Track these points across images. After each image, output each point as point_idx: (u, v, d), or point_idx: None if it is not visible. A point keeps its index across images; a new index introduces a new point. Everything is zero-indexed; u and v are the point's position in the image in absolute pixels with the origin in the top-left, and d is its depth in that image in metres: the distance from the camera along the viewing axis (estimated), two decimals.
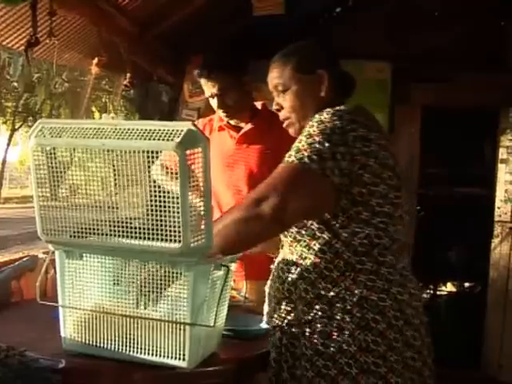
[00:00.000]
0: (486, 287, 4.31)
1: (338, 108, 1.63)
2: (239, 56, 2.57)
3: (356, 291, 1.55)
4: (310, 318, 1.59)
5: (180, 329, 1.47)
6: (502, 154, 4.23)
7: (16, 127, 22.81)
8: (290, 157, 1.58)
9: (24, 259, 2.32)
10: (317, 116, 1.62)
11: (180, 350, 1.48)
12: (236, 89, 2.45)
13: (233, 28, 4.14)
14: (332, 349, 1.54)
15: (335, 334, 1.54)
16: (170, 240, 1.39)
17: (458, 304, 4.97)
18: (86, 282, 1.54)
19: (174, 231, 1.37)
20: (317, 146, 1.55)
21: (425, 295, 5.17)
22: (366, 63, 4.16)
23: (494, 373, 4.18)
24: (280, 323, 1.66)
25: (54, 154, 1.45)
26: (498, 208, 4.23)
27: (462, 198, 4.59)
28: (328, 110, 1.62)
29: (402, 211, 1.64)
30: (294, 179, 1.55)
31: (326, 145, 1.54)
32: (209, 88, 2.44)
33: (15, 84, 12.93)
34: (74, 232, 1.47)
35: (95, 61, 3.08)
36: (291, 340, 1.62)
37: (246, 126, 2.53)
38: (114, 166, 1.43)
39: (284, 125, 1.79)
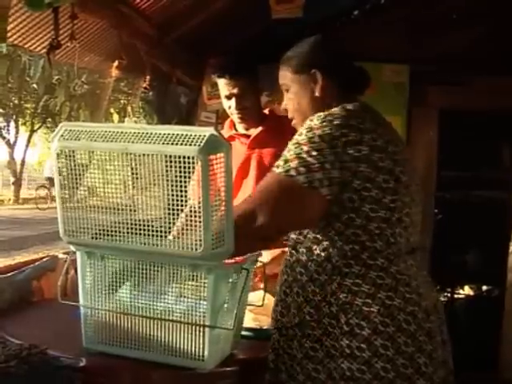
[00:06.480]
0: (504, 290, 4.29)
1: (330, 112, 1.58)
2: (257, 60, 2.61)
3: (341, 296, 1.53)
4: (299, 320, 1.58)
5: (199, 330, 1.49)
6: None
7: (35, 128, 23.05)
8: (278, 167, 1.54)
9: (44, 259, 2.35)
10: (307, 121, 1.57)
11: (199, 351, 1.50)
12: (253, 92, 2.52)
13: (251, 31, 4.15)
14: (321, 352, 1.53)
15: (323, 338, 1.53)
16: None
17: (476, 307, 4.94)
18: (107, 282, 1.56)
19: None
20: (304, 156, 1.51)
21: (442, 298, 5.15)
22: (383, 66, 4.16)
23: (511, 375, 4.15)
24: (277, 325, 1.66)
25: (75, 156, 1.47)
26: None
27: (480, 201, 4.57)
28: (319, 114, 1.57)
29: (402, 214, 1.57)
30: (280, 195, 1.53)
31: (314, 154, 1.50)
32: (228, 88, 2.48)
33: (35, 86, 13.03)
34: (96, 233, 1.49)
35: (115, 63, 3.11)
36: (288, 342, 1.60)
37: (256, 130, 2.55)
38: (133, 168, 1.45)
39: (292, 123, 1.77)
